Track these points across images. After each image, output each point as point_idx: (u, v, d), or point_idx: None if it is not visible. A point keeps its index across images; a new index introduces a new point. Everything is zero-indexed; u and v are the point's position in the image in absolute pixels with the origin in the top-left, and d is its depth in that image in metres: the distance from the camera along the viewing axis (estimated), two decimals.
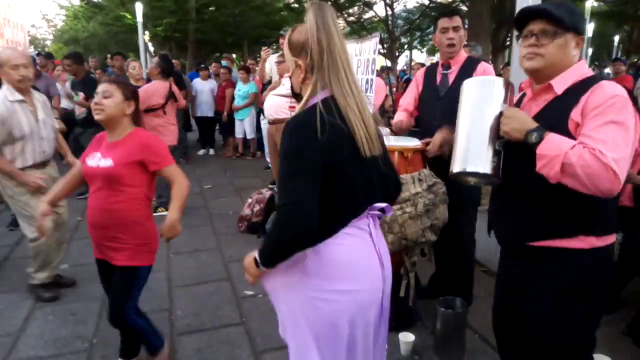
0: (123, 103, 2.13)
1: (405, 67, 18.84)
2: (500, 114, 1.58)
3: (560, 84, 1.54)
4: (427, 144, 2.64)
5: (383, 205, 1.44)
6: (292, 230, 1.24)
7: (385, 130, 3.29)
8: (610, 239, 1.57)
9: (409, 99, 3.04)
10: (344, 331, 1.39)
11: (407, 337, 2.56)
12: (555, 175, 1.41)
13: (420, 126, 2.93)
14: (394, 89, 9.27)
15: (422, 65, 7.77)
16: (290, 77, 1.47)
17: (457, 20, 2.70)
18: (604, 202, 1.47)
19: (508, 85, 1.65)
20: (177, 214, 2.11)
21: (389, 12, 19.28)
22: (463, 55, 2.80)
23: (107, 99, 2.09)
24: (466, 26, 2.81)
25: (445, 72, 2.81)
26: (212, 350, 2.65)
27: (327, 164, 1.28)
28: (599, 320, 1.65)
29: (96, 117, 2.11)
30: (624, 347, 2.61)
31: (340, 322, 1.38)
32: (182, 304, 3.16)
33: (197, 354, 2.61)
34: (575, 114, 1.46)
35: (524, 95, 1.73)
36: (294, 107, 1.54)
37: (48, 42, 49.41)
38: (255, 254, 1.40)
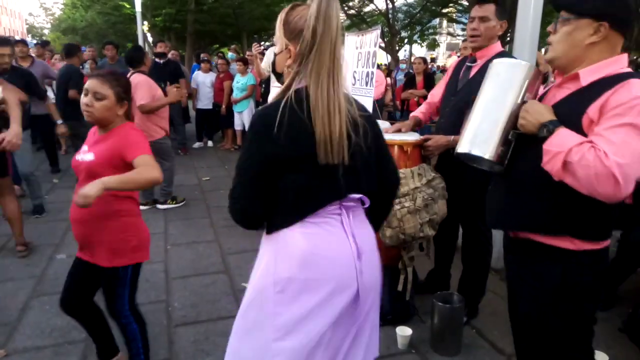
0: (115, 106, 1.98)
1: (405, 59, 18.76)
2: (523, 103, 1.51)
3: (589, 75, 1.43)
4: (426, 140, 2.61)
5: (358, 195, 1.40)
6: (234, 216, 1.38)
7: (385, 124, 3.29)
8: (603, 244, 1.52)
9: (436, 90, 2.91)
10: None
11: (404, 331, 2.57)
12: (557, 173, 1.37)
13: (439, 117, 2.82)
14: (395, 84, 9.24)
15: (423, 59, 7.68)
16: (276, 54, 1.41)
17: (486, 10, 2.48)
18: (600, 209, 1.41)
19: (538, 74, 1.57)
20: (112, 181, 1.72)
21: (390, 6, 19.17)
22: (494, 49, 2.55)
23: (100, 102, 1.94)
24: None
25: (469, 64, 2.64)
26: (209, 342, 2.65)
27: (280, 158, 1.29)
28: (593, 316, 1.63)
29: (86, 117, 1.98)
30: (619, 343, 2.62)
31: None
32: (179, 295, 3.16)
33: (194, 346, 2.61)
34: (592, 110, 1.37)
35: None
36: None
37: (46, 31, 49.09)
38: None
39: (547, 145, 1.39)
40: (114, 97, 1.97)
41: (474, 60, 2.61)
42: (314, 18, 1.26)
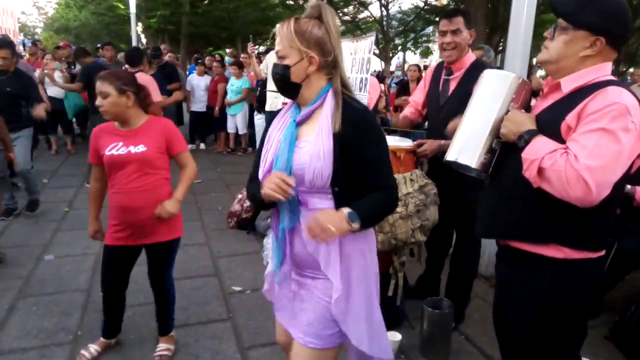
0: (119, 98, 2.18)
1: (399, 66, 18.88)
2: (507, 113, 1.56)
3: (569, 83, 1.45)
4: (419, 145, 2.64)
5: None
6: (395, 203, 1.55)
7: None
8: (595, 254, 1.48)
9: (418, 97, 2.97)
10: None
11: (394, 337, 2.57)
12: (534, 180, 1.39)
13: (428, 127, 2.90)
14: (389, 89, 9.28)
15: (417, 66, 7.75)
16: (290, 65, 1.44)
17: (457, 23, 2.51)
18: (590, 217, 1.40)
19: (524, 85, 1.61)
20: (181, 195, 2.32)
21: (384, 13, 19.31)
22: (469, 58, 2.60)
23: (105, 100, 2.17)
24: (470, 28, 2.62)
25: (447, 77, 2.66)
26: (198, 345, 2.63)
27: None
28: (582, 329, 1.58)
29: (104, 117, 2.24)
30: (606, 351, 2.65)
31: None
32: None
33: (183, 349, 2.59)
34: (570, 117, 1.39)
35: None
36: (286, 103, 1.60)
37: (38, 30, 48.71)
38: (347, 212, 1.39)
39: (524, 154, 1.42)
40: (115, 91, 2.17)
41: (451, 73, 2.64)
42: (336, 30, 1.42)
